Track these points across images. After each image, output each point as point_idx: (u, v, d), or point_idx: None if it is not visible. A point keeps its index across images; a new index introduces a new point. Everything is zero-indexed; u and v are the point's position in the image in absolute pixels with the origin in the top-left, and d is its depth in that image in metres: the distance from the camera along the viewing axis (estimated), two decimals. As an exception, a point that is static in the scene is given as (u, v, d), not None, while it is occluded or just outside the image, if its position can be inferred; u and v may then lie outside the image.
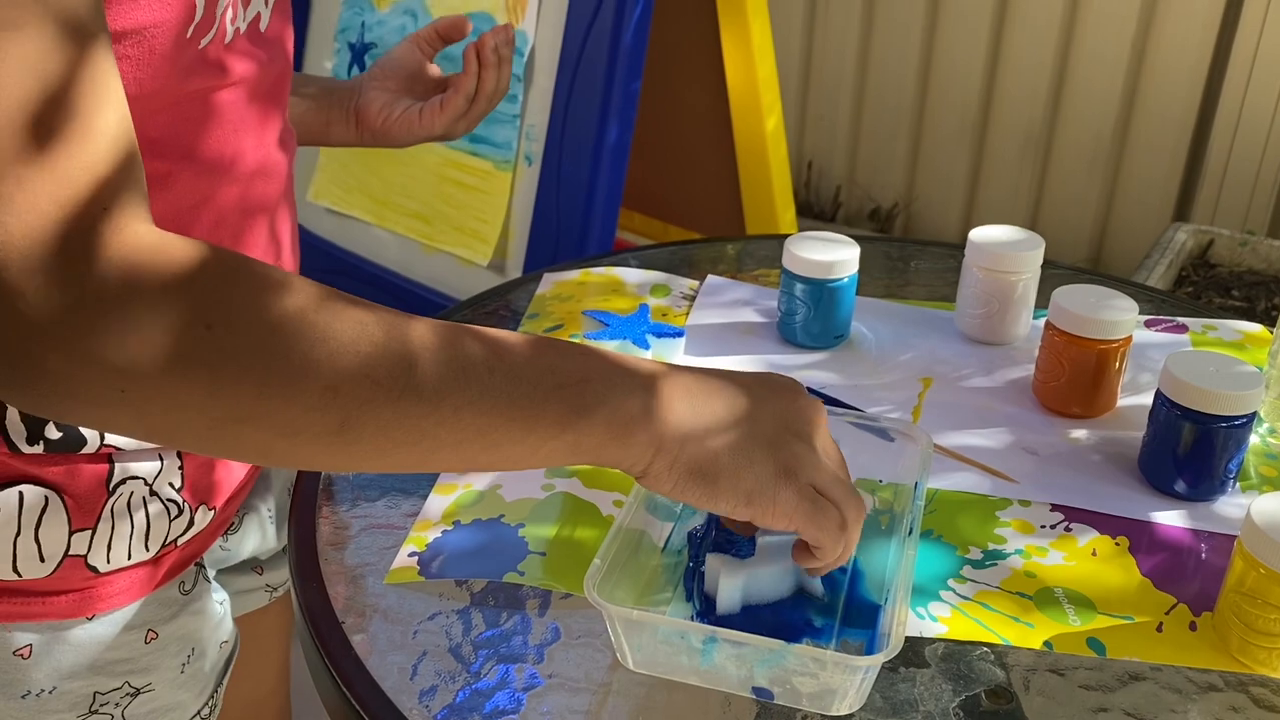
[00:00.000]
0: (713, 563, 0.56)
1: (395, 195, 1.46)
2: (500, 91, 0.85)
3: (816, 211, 2.40)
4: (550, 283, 0.93)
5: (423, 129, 0.83)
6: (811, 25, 2.30)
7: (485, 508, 0.65)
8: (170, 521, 0.63)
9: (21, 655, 0.59)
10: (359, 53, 1.49)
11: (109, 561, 0.60)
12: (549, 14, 1.31)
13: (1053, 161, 2.15)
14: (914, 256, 1.00)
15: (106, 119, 0.40)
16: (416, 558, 0.61)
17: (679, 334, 0.85)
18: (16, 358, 0.38)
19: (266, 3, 0.61)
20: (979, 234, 0.83)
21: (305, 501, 0.66)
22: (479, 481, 0.68)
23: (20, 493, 0.57)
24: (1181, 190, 2.03)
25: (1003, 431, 0.75)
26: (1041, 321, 0.79)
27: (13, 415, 0.56)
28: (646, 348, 0.83)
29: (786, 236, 0.85)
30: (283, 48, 0.65)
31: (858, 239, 0.84)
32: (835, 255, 0.81)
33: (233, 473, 0.68)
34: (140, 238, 0.40)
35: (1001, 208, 2.22)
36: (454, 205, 1.42)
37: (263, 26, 0.61)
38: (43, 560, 0.58)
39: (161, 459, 0.62)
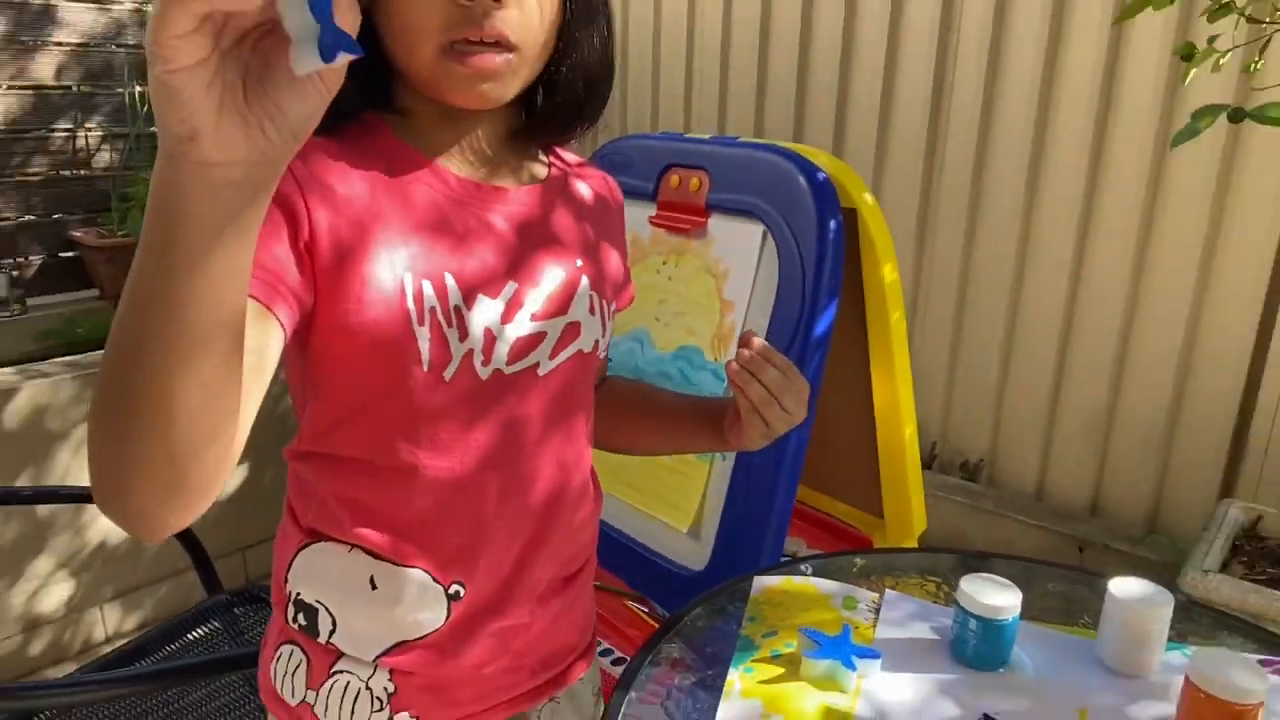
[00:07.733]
0: None
1: (618, 467, 2.26)
2: (774, 389, 1.07)
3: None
4: (761, 587, 1.32)
5: (751, 440, 1.16)
6: (913, 325, 3.34)
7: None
8: (372, 713, 1.01)
9: None
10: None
11: (326, 713, 1.03)
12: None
13: (1114, 437, 3.01)
14: (1048, 579, 1.39)
15: None
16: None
17: (876, 655, 1.17)
18: None
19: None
20: (1118, 588, 1.15)
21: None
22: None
23: (291, 649, 1.02)
24: (1228, 466, 2.82)
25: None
26: (1173, 655, 1.11)
27: (292, 608, 0.99)
28: (854, 669, 1.14)
29: (935, 551, 1.26)
30: None
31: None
32: (1003, 600, 1.13)
33: (452, 694, 1.05)
34: None
35: (1069, 473, 3.10)
36: (660, 482, 2.13)
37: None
38: (293, 695, 1.03)
39: (375, 668, 1.01)
